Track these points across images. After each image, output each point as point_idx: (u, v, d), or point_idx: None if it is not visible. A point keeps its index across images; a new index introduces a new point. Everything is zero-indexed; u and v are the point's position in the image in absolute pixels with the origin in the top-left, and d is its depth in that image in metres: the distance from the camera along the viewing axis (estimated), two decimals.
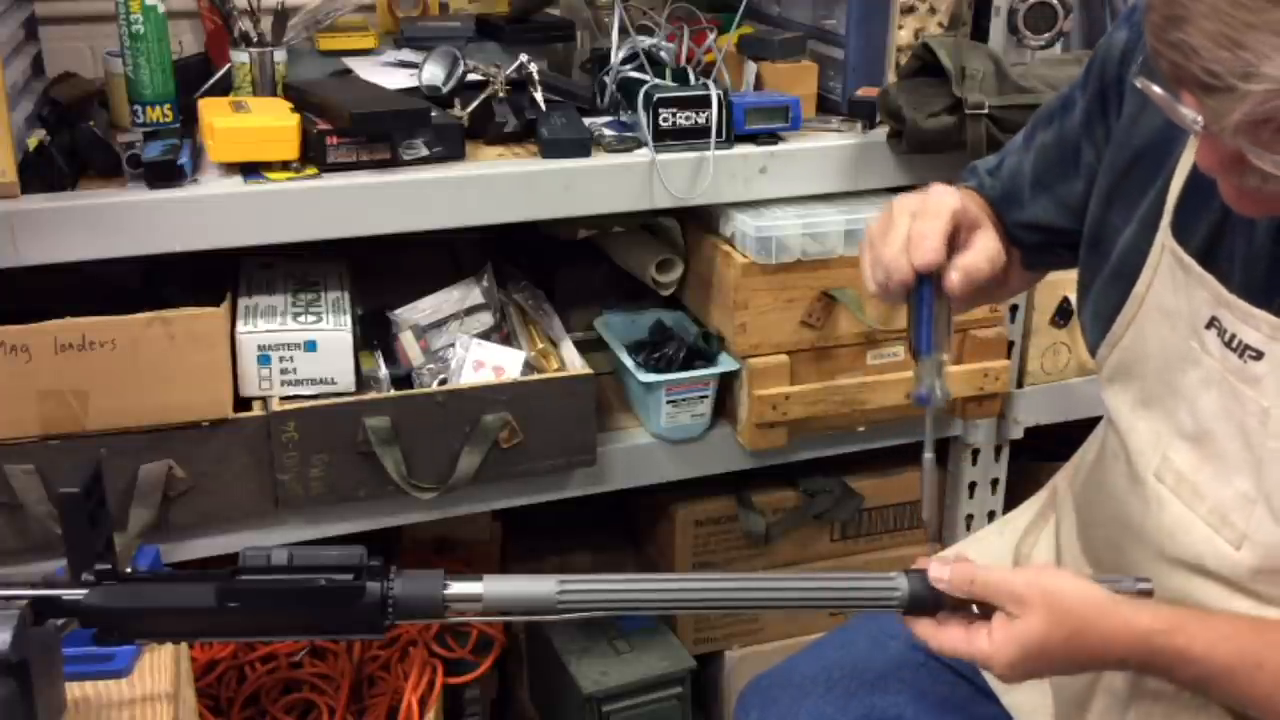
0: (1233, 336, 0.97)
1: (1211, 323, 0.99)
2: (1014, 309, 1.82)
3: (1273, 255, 0.95)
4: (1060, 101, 1.20)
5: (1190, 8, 0.76)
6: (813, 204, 1.66)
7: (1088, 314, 1.14)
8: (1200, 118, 0.81)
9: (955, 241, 1.03)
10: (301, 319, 1.52)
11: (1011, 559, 1.29)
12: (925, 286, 1.01)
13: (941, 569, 0.96)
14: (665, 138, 1.57)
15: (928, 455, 1.03)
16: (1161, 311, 1.03)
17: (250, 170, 1.46)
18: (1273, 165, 0.79)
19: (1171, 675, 0.95)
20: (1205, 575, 1.00)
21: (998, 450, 1.92)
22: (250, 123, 1.47)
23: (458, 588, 0.95)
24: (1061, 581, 0.94)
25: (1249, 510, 0.97)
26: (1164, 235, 1.03)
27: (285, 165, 1.47)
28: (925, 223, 1.00)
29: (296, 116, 1.49)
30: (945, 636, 0.97)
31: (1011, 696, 1.22)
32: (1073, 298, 1.78)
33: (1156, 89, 0.85)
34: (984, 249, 1.03)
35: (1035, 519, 1.31)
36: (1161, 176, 1.04)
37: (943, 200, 1.02)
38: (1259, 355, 0.95)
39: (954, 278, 1.00)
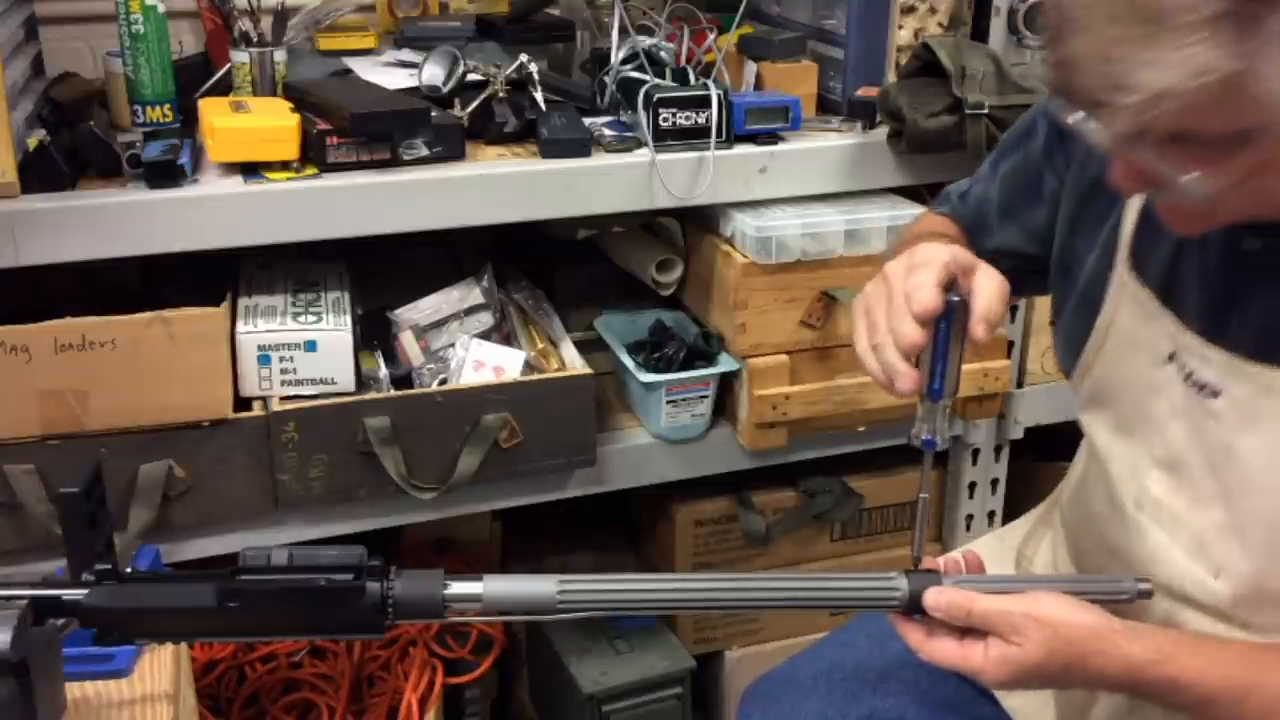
0: (1190, 373, 0.98)
1: (1171, 357, 0.99)
2: (1014, 309, 1.82)
3: (1224, 283, 0.96)
4: (1023, 128, 1.19)
5: (1071, 25, 0.78)
6: (813, 204, 1.66)
7: (1060, 340, 1.15)
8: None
9: (955, 289, 0.98)
10: (301, 319, 1.52)
11: (1014, 563, 1.30)
12: (939, 334, 0.97)
13: (938, 597, 0.96)
14: (665, 138, 1.57)
15: (923, 495, 1.02)
16: (1127, 342, 1.04)
17: (250, 170, 1.46)
18: (1167, 175, 0.81)
19: (1163, 702, 0.96)
20: (1188, 603, 1.01)
21: (998, 450, 1.92)
22: (250, 123, 1.47)
23: (458, 588, 0.95)
24: (1059, 612, 0.94)
25: (1226, 540, 0.97)
26: (1122, 267, 1.04)
27: (285, 165, 1.47)
28: (918, 274, 0.97)
29: (296, 116, 1.49)
30: (936, 647, 0.97)
31: (1011, 701, 1.22)
32: None
33: (1073, 110, 0.85)
34: (990, 290, 0.98)
35: (1036, 525, 1.32)
36: (1119, 204, 1.05)
37: (932, 253, 0.98)
38: (1216, 393, 0.96)
39: (979, 331, 0.96)
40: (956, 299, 0.96)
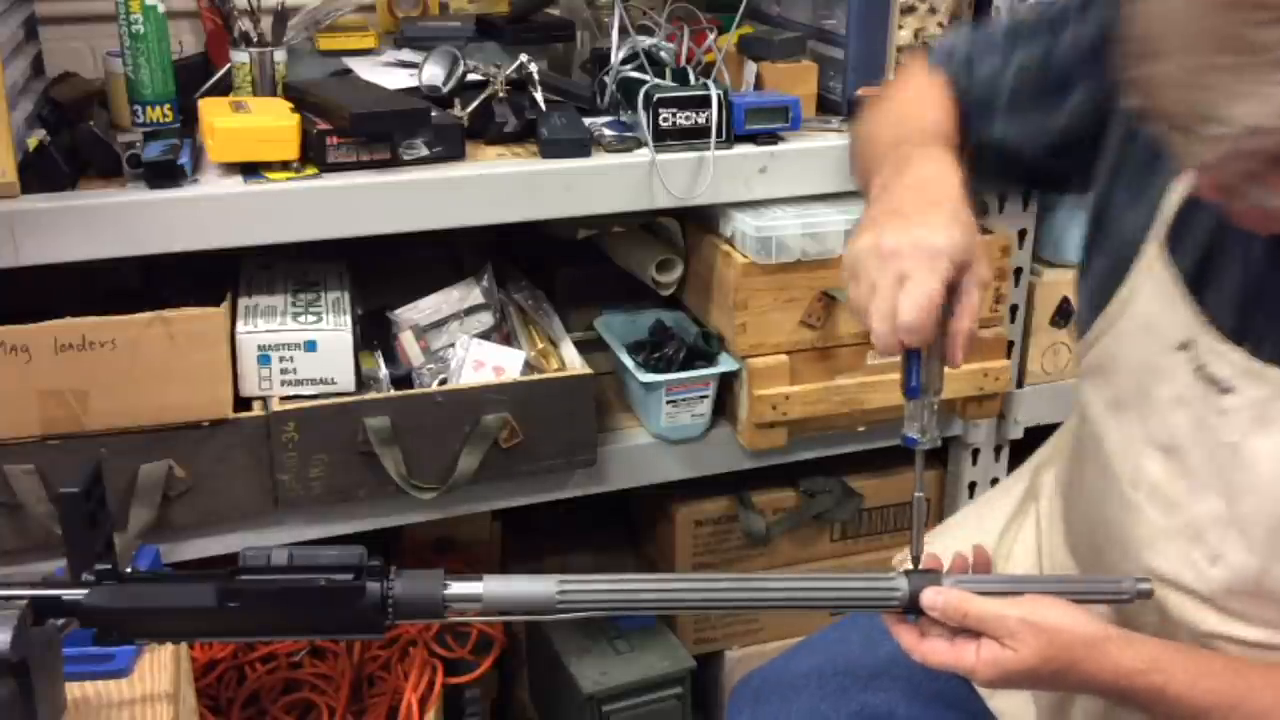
0: (1202, 365, 0.95)
1: (1184, 345, 0.97)
2: (1014, 309, 1.82)
3: (1265, 271, 0.93)
4: (1050, 15, 1.07)
5: (1159, 46, 0.76)
6: (813, 204, 1.66)
7: (1085, 293, 1.09)
8: None
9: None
10: (301, 319, 1.52)
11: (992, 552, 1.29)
12: None
13: (935, 597, 0.96)
14: (665, 138, 1.57)
15: (917, 494, 1.02)
16: (1141, 323, 1.01)
17: (250, 170, 1.46)
18: (1257, 194, 0.78)
19: (1150, 712, 0.96)
20: (1177, 588, 1.00)
21: (998, 450, 1.92)
22: (250, 123, 1.47)
23: (458, 588, 0.95)
24: (1055, 618, 0.93)
25: (1223, 530, 0.96)
26: (1155, 243, 1.00)
27: (285, 165, 1.47)
28: (916, 286, 0.90)
29: (296, 116, 1.49)
30: (929, 648, 0.97)
31: (995, 702, 1.22)
32: (1073, 298, 1.78)
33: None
34: (971, 306, 0.95)
35: (1015, 513, 1.31)
36: (1164, 169, 0.99)
37: (937, 249, 0.91)
38: (1228, 389, 0.94)
39: (958, 356, 0.95)
40: None
